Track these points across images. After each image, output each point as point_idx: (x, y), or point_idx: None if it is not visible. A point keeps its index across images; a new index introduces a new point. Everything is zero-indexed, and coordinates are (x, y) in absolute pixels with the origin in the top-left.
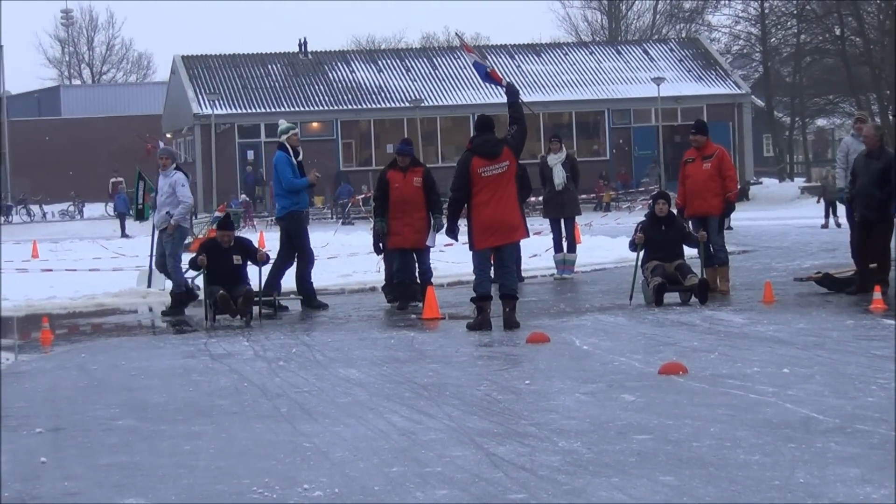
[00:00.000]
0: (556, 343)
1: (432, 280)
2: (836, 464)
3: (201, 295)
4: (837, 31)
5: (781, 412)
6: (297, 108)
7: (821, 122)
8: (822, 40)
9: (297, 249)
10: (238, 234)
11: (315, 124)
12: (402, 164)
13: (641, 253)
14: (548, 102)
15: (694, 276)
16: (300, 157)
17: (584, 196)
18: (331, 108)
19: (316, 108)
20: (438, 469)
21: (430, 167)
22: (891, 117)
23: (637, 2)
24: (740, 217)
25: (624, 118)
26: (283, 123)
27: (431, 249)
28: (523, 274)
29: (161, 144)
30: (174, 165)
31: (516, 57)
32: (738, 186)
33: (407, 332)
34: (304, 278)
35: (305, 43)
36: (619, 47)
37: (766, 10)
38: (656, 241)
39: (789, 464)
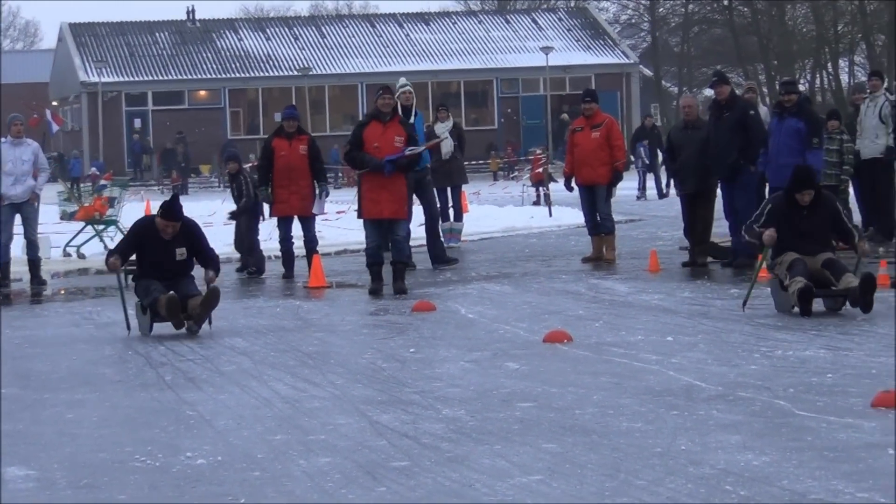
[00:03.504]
0: (441, 312)
1: (318, 248)
2: (717, 431)
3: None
4: (725, 1)
5: (664, 380)
6: (184, 77)
7: (709, 91)
8: (710, 10)
9: None
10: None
11: (202, 92)
12: (288, 130)
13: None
14: (436, 71)
15: (850, 276)
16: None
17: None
18: (218, 76)
19: (203, 77)
20: (322, 437)
21: (318, 136)
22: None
23: None
24: (628, 186)
25: (512, 87)
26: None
27: (318, 217)
28: (411, 242)
29: (49, 113)
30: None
31: (405, 26)
32: (626, 155)
33: (293, 301)
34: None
35: (193, 11)
36: (508, 16)
37: None
38: (796, 229)
39: (671, 431)
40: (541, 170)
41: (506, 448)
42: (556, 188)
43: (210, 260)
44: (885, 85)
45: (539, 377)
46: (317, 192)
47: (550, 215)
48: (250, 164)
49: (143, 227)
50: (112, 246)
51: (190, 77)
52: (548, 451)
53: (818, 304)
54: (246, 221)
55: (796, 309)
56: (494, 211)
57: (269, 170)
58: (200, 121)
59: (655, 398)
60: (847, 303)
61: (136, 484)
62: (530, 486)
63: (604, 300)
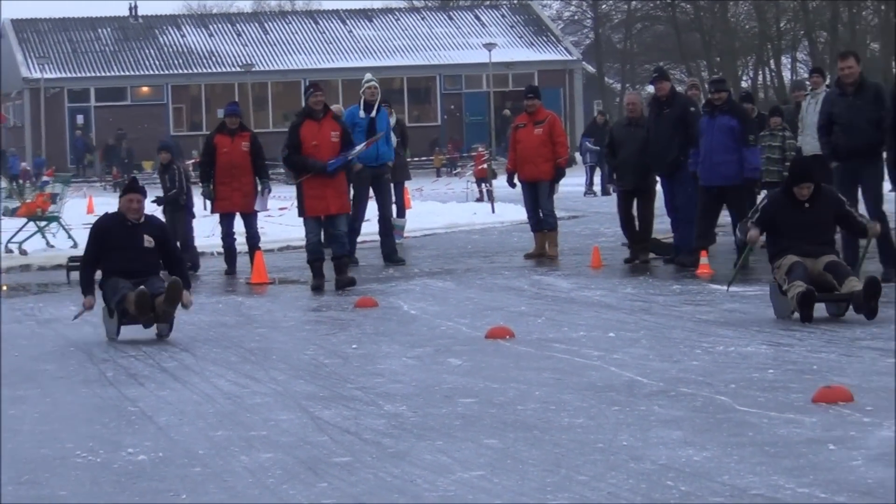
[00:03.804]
0: (384, 308)
1: (260, 245)
2: (659, 426)
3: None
4: None
5: (606, 376)
6: (127, 73)
7: (651, 88)
8: (652, 7)
9: None
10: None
11: (145, 89)
12: (230, 126)
13: (758, 242)
14: (379, 68)
15: (854, 280)
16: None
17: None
18: (161, 72)
19: (146, 73)
20: (264, 433)
21: (261, 132)
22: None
23: None
24: (570, 182)
25: (455, 84)
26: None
27: (260, 214)
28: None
29: None
30: None
31: (348, 22)
32: (569, 152)
33: (235, 297)
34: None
35: (136, 7)
36: (451, 13)
37: None
38: (795, 226)
39: (613, 426)
40: (484, 166)
41: (447, 444)
42: (499, 185)
43: (177, 262)
44: (827, 82)
45: (481, 373)
46: (259, 188)
47: (493, 212)
48: (193, 161)
49: (104, 220)
50: (55, 243)
51: (132, 73)
52: (489, 447)
53: (820, 310)
54: (179, 217)
55: (796, 315)
56: (437, 207)
57: (211, 166)
58: (143, 117)
59: (597, 394)
60: (851, 308)
61: (78, 480)
62: (472, 482)
63: (546, 296)
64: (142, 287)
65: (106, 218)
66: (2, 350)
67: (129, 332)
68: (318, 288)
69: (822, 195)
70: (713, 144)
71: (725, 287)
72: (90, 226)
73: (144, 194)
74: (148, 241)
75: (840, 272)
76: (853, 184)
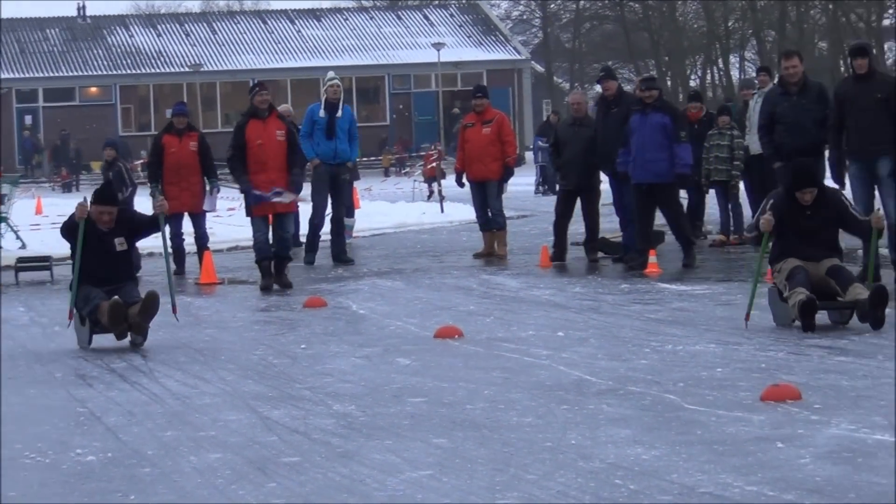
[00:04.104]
0: (332, 307)
1: (209, 245)
2: (607, 425)
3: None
4: None
5: (555, 375)
6: (75, 73)
7: (599, 87)
8: (601, 6)
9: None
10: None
11: (93, 89)
12: (178, 126)
13: (769, 244)
14: (328, 68)
15: (859, 286)
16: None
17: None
18: (109, 72)
19: (94, 73)
20: (212, 433)
21: (210, 132)
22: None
23: None
24: (519, 182)
25: (404, 83)
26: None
27: (209, 214)
28: (302, 239)
29: None
30: None
31: (296, 22)
32: (518, 151)
33: (184, 298)
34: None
35: (84, 7)
36: (400, 13)
37: None
38: (797, 229)
39: (561, 425)
40: (433, 165)
41: (396, 443)
42: (448, 184)
43: (147, 223)
44: (775, 80)
45: (430, 373)
46: (207, 188)
47: (442, 211)
48: (141, 161)
49: (74, 224)
50: (2, 244)
51: (81, 74)
52: (438, 446)
53: (822, 317)
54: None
55: (797, 323)
56: (386, 207)
57: (158, 167)
58: (91, 117)
59: (546, 393)
60: (855, 316)
61: (26, 481)
62: (420, 481)
63: (495, 296)
64: (115, 297)
65: (75, 224)
66: None
67: (101, 339)
68: (266, 288)
69: (826, 199)
70: (645, 142)
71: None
72: (37, 227)
73: (117, 204)
74: (120, 243)
75: (843, 278)
76: None
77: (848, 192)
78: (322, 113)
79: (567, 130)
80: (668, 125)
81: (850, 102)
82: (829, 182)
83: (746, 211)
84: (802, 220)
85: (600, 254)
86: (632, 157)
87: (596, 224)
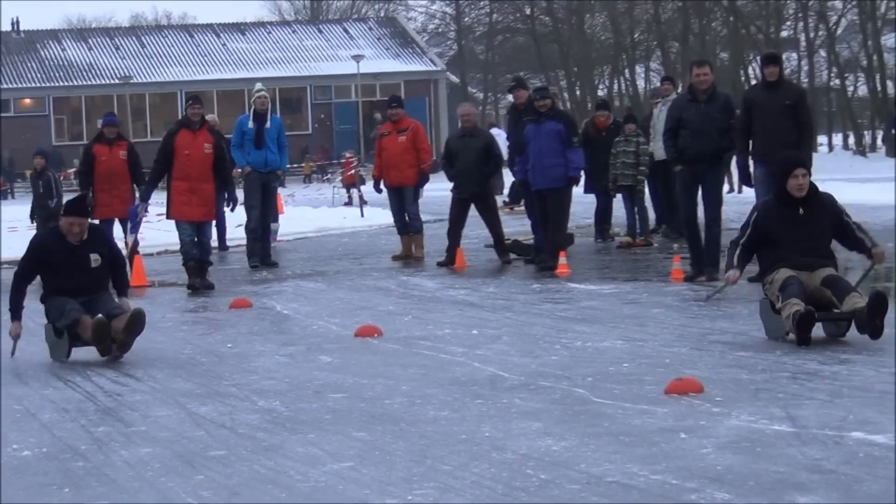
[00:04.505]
0: (258, 308)
1: (139, 249)
2: (519, 418)
3: None
4: (528, 11)
5: (470, 371)
6: (10, 85)
7: (511, 97)
8: (513, 20)
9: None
10: None
11: (27, 100)
12: (109, 136)
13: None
14: (252, 79)
15: (856, 296)
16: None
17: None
18: (43, 84)
19: (28, 85)
20: (143, 428)
21: (139, 142)
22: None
23: None
24: (436, 188)
25: (325, 94)
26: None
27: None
28: (228, 243)
29: None
30: None
31: (222, 35)
32: (433, 158)
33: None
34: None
35: (18, 22)
36: (321, 26)
37: None
38: (789, 235)
39: (476, 419)
40: (352, 172)
41: (318, 437)
42: (368, 190)
43: (121, 269)
44: (679, 89)
45: (350, 369)
46: (136, 195)
47: (362, 216)
48: (74, 170)
49: (42, 241)
50: None
51: (15, 86)
52: (358, 440)
53: (817, 329)
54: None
55: (791, 336)
56: (308, 212)
57: (89, 174)
58: (26, 128)
59: (461, 388)
60: (854, 327)
61: None
62: (342, 473)
63: (413, 296)
64: (100, 316)
65: (46, 236)
66: None
67: (80, 353)
68: (193, 287)
69: (818, 200)
70: (542, 149)
71: (703, 300)
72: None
73: (88, 216)
74: (95, 259)
75: (840, 287)
76: (695, 186)
77: (751, 192)
78: (251, 123)
79: (458, 142)
80: (562, 131)
81: (758, 107)
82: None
83: (651, 214)
84: (794, 219)
85: (513, 255)
86: (530, 165)
87: (498, 227)
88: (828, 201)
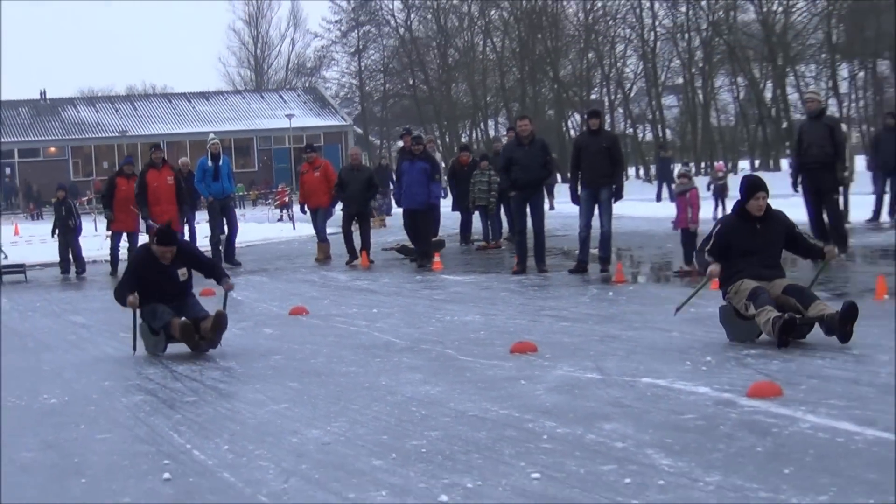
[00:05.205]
0: (219, 295)
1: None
2: (407, 371)
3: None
4: (411, 82)
5: (371, 338)
6: (40, 138)
7: (401, 143)
8: (400, 88)
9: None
10: None
11: (52, 149)
12: (127, 171)
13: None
14: (214, 132)
15: (821, 303)
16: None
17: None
18: (64, 137)
19: (53, 138)
20: (137, 382)
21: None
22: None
23: (274, 61)
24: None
25: (266, 143)
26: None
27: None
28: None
29: None
30: None
31: (192, 101)
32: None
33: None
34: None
35: (45, 92)
36: (263, 94)
37: (363, 68)
38: (748, 247)
39: (375, 372)
40: (284, 199)
41: (263, 386)
42: (296, 211)
43: (213, 267)
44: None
45: (286, 338)
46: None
47: (294, 229)
48: (87, 197)
49: (141, 257)
50: None
51: (43, 138)
52: (292, 388)
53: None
54: (70, 236)
55: (764, 337)
56: (255, 227)
57: (111, 198)
58: (52, 169)
59: (365, 350)
60: (821, 329)
61: None
62: (280, 412)
63: (330, 285)
64: (184, 319)
65: (141, 257)
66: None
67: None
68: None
69: (773, 216)
70: (413, 180)
71: (674, 311)
72: (15, 244)
73: (176, 243)
74: (182, 274)
75: (805, 295)
76: (525, 206)
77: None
78: (209, 163)
79: (349, 174)
80: (428, 169)
81: (584, 149)
82: (566, 204)
83: (500, 225)
84: (751, 234)
85: (401, 255)
86: (402, 191)
87: (367, 236)
88: (780, 217)
